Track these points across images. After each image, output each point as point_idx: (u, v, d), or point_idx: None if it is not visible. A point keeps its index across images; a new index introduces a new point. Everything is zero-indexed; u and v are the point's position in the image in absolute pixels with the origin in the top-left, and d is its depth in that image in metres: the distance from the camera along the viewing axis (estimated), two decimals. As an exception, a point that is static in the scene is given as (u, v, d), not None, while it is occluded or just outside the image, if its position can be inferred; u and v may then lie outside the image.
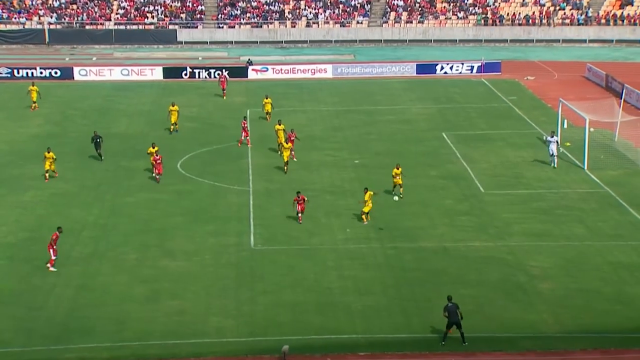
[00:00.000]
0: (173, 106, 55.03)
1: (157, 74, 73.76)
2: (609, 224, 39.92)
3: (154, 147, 46.28)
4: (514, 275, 34.39)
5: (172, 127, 54.81)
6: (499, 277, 34.22)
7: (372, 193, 39.66)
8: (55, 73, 73.26)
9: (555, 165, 47.67)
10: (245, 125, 53.06)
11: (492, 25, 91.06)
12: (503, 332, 29.97)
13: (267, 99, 58.83)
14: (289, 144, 47.88)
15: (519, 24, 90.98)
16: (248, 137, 52.68)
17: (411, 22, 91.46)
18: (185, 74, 73.67)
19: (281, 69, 74.76)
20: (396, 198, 40.83)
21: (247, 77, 73.77)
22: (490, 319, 30.81)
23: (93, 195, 44.08)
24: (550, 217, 40.79)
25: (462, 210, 41.74)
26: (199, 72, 73.61)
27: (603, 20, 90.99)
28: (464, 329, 28.88)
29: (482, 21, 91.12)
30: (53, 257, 34.64)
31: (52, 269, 34.50)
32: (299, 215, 39.58)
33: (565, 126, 54.40)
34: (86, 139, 54.87)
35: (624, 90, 61.94)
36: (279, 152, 48.91)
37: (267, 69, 74.57)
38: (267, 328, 30.42)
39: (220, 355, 28.72)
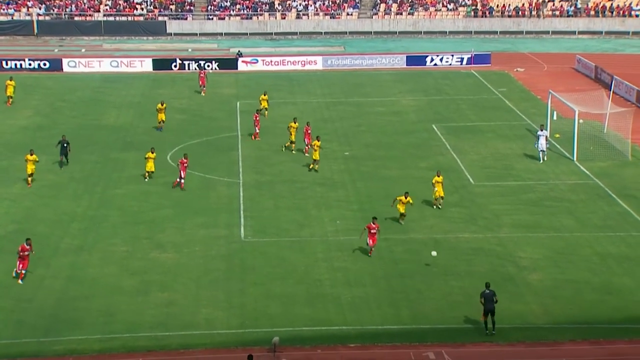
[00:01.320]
0: (162, 105, 54.14)
1: (146, 65, 73.52)
2: (598, 215, 40.05)
3: (153, 152, 44.42)
4: (503, 267, 34.48)
5: (158, 124, 53.81)
6: (488, 268, 34.31)
7: (410, 200, 38.04)
8: (44, 65, 72.93)
9: (545, 159, 47.68)
10: (257, 118, 52.36)
11: (482, 16, 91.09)
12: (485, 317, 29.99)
13: (264, 95, 57.85)
14: (317, 142, 45.84)
15: (509, 16, 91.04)
16: (258, 131, 51.99)
17: (401, 14, 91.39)
18: (175, 66, 73.45)
19: (271, 61, 74.62)
20: (434, 253, 34.16)
21: (237, 69, 73.61)
22: (480, 310, 30.82)
23: (82, 187, 43.93)
24: (539, 208, 40.90)
25: (452, 201, 41.79)
26: (188, 64, 73.40)
27: (592, 12, 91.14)
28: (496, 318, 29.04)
29: (472, 13, 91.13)
30: (22, 271, 32.50)
31: (20, 281, 32.59)
32: (371, 249, 34.92)
33: (555, 118, 54.50)
34: (75, 130, 54.76)
35: (613, 82, 62.09)
36: (289, 149, 48.85)
37: (257, 61, 74.41)
38: (257, 320, 30.41)
39: (210, 347, 28.71)
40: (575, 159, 47.75)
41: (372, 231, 34.71)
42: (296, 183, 44.60)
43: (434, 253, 33.97)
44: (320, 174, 45.90)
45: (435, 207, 40.03)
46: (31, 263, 34.53)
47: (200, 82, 64.09)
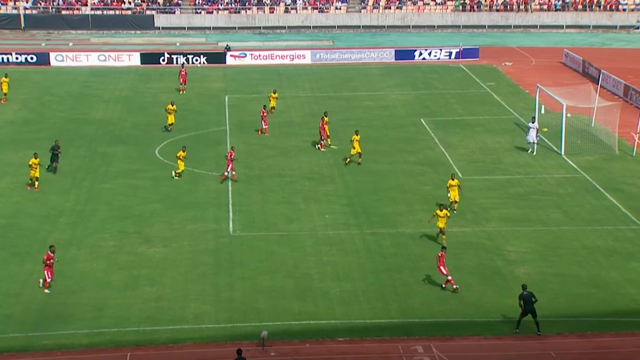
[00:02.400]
0: (172, 105, 52.03)
1: (134, 59, 73.27)
2: (586, 208, 40.23)
3: (184, 151, 43.82)
4: (491, 260, 34.60)
5: (168, 126, 51.72)
6: (476, 262, 34.42)
7: (447, 212, 35.93)
8: (31, 59, 72.55)
9: (535, 152, 47.84)
10: (264, 114, 51.72)
11: (470, 11, 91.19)
12: (480, 317, 30.17)
13: (274, 93, 56.47)
14: (356, 136, 45.20)
15: (497, 10, 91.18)
16: (266, 127, 51.44)
17: (389, 8, 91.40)
18: (163, 60, 73.23)
19: (259, 55, 74.51)
20: (456, 287, 31.64)
21: (225, 63, 73.45)
22: (468, 304, 30.99)
23: (70, 182, 43.79)
24: (527, 202, 41.04)
25: (441, 195, 41.84)
26: (176, 58, 73.18)
27: (580, 6, 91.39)
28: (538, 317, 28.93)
29: (460, 7, 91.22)
30: (48, 279, 31.82)
31: (46, 290, 31.76)
32: (449, 279, 31.64)
33: (543, 112, 54.66)
34: (63, 125, 54.60)
35: (601, 76, 62.30)
36: (323, 146, 48.40)
37: (246, 55, 74.28)
38: (246, 314, 30.43)
39: (199, 341, 28.71)
40: (563, 152, 47.92)
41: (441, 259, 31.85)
42: (285, 177, 44.60)
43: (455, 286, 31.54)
44: (308, 168, 45.91)
45: (451, 210, 38.28)
46: (19, 258, 34.48)
47: (181, 80, 62.07)
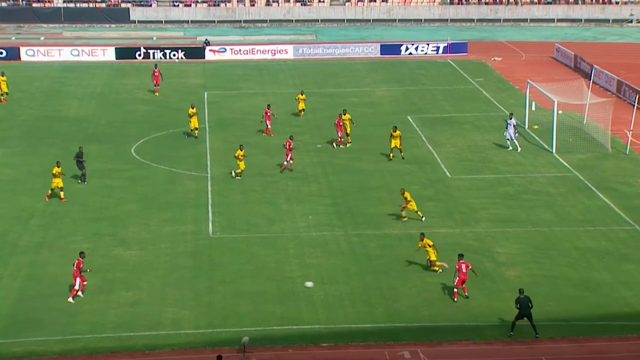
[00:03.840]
0: (192, 108, 50.26)
1: (109, 54, 73.04)
2: (578, 208, 40.43)
3: (242, 149, 43.53)
4: (480, 262, 34.69)
5: (195, 131, 49.82)
6: (465, 264, 34.45)
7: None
8: (1, 53, 72.22)
9: (519, 149, 48.06)
10: (269, 113, 51.05)
11: (458, 4, 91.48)
12: (469, 321, 30.25)
13: (301, 95, 54.91)
14: (398, 132, 45.94)
15: (486, 3, 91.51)
16: (269, 127, 50.97)
17: (375, 1, 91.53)
18: (139, 55, 73.05)
19: (240, 50, 74.44)
20: (309, 284, 32.40)
21: (204, 58, 73.37)
22: (456, 307, 31.07)
23: (41, 182, 43.52)
24: (517, 202, 41.20)
25: (428, 195, 41.98)
26: (153, 53, 73.02)
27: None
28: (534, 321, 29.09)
29: (448, 0, 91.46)
30: (76, 287, 31.40)
31: (70, 299, 31.30)
32: (463, 287, 31.66)
33: (534, 108, 54.90)
34: (34, 122, 54.30)
35: (593, 71, 62.64)
36: (345, 144, 48.48)
37: (225, 50, 74.18)
38: (226, 319, 30.38)
39: (177, 347, 28.63)
40: (554, 150, 48.15)
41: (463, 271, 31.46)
42: (267, 177, 44.57)
43: (308, 284, 32.35)
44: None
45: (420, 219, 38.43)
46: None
47: (155, 81, 60.38)
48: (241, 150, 43.66)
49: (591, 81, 57.81)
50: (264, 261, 34.73)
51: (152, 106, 58.45)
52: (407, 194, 38.07)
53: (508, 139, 48.45)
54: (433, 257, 33.53)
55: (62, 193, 40.55)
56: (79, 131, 52.39)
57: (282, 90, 62.98)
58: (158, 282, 32.93)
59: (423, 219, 38.27)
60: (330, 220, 38.83)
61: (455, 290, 31.52)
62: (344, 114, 49.06)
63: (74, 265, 31.63)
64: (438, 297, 31.87)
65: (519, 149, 48.17)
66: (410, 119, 55.05)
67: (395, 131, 46.61)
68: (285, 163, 44.37)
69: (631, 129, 48.83)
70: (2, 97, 57.86)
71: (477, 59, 72.87)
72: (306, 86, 63.99)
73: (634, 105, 52.67)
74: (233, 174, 43.82)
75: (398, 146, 46.51)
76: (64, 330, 29.43)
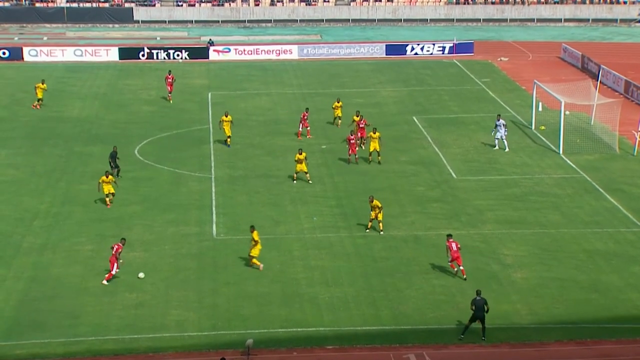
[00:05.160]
0: (226, 116, 49.07)
1: (112, 54, 73.14)
2: (585, 210, 40.39)
3: (301, 153, 42.73)
4: (487, 264, 34.68)
5: (228, 139, 48.90)
6: (471, 266, 34.47)
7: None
8: (4, 54, 72.35)
9: (507, 149, 48.12)
10: (306, 116, 50.56)
11: (465, 4, 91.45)
12: (476, 324, 30.15)
13: (338, 102, 53.17)
14: (377, 134, 45.29)
15: (492, 3, 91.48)
16: (309, 128, 50.62)
17: (380, 1, 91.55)
18: (143, 55, 73.15)
19: (244, 50, 74.50)
20: (141, 275, 33.17)
21: (208, 58, 73.45)
22: (463, 310, 31.02)
23: (45, 183, 43.65)
24: (524, 203, 41.17)
25: (434, 197, 41.98)
26: (157, 53, 73.13)
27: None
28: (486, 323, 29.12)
29: (454, 0, 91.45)
30: (113, 272, 32.50)
31: (105, 282, 32.54)
32: (462, 269, 33.32)
33: (540, 109, 54.87)
34: (37, 123, 54.41)
35: (601, 72, 62.58)
36: (362, 146, 47.63)
37: (230, 50, 74.26)
38: (230, 321, 30.40)
39: (181, 350, 28.66)
40: (561, 152, 48.11)
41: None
42: (271, 178, 44.60)
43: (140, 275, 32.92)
44: (295, 168, 45.83)
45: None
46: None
47: (168, 88, 58.92)
48: (301, 154, 42.84)
49: (598, 81, 57.76)
50: (269, 263, 34.73)
51: (155, 107, 58.52)
52: (376, 202, 37.20)
53: (497, 139, 48.59)
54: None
55: (110, 198, 40.14)
56: (82, 132, 52.49)
57: (286, 91, 63.02)
58: (162, 284, 32.96)
59: (382, 232, 37.23)
60: (335, 221, 38.84)
61: (451, 263, 33.30)
62: (374, 132, 46.05)
63: (112, 249, 32.63)
64: (444, 299, 31.87)
65: (507, 149, 48.23)
66: (416, 120, 55.04)
67: (375, 132, 45.69)
68: (349, 155, 45.37)
69: (639, 129, 48.75)
70: (37, 103, 57.07)
71: (484, 59, 72.84)
72: (310, 86, 64.07)
73: (642, 106, 52.63)
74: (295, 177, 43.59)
75: (377, 149, 45.61)
76: (67, 332, 29.47)
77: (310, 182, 42.99)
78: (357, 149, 46.33)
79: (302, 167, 42.89)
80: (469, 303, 29.71)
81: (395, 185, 43.56)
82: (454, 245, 33.22)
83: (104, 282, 32.59)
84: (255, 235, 34.01)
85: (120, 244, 32.95)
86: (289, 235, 37.45)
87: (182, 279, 33.46)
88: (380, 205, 37.07)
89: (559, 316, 30.83)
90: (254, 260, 34.15)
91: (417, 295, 32.21)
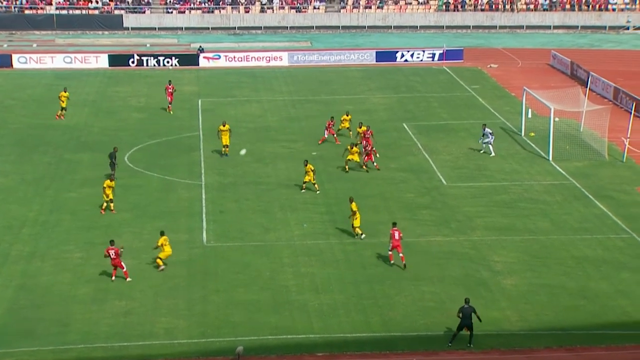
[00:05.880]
0: (224, 126, 48.55)
1: (102, 61, 73.05)
2: (574, 216, 40.51)
3: (307, 165, 42.77)
4: (476, 271, 34.76)
5: (223, 149, 48.47)
6: (461, 273, 34.56)
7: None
8: (-7, 60, 72.17)
9: (492, 154, 48.67)
10: (331, 124, 50.53)
11: (454, 10, 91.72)
12: (466, 330, 30.21)
13: (347, 115, 52.37)
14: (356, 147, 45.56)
15: (482, 10, 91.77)
16: (335, 135, 50.66)
17: (370, 8, 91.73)
18: (133, 62, 73.08)
19: (234, 57, 74.52)
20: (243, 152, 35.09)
21: (198, 65, 73.43)
22: (452, 317, 31.04)
23: (33, 190, 43.55)
24: (513, 210, 41.28)
25: (423, 203, 42.06)
26: (147, 60, 73.06)
27: (568, 6, 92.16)
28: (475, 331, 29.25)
29: (444, 6, 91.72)
30: (125, 269, 33.59)
31: (129, 279, 33.65)
32: (401, 255, 34.75)
33: (530, 116, 55.04)
34: (26, 130, 54.27)
35: (590, 79, 62.82)
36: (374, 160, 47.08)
37: (220, 57, 74.26)
38: (220, 328, 30.37)
39: (170, 357, 28.61)
40: (550, 158, 48.27)
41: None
42: (261, 185, 44.60)
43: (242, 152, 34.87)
44: (285, 175, 45.90)
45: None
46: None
47: (168, 98, 57.86)
48: (307, 166, 42.84)
49: (588, 88, 57.95)
50: (259, 270, 34.73)
51: (145, 114, 58.45)
52: (353, 205, 37.30)
53: (484, 144, 49.11)
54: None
55: (112, 205, 40.36)
56: (72, 139, 52.39)
57: (276, 98, 63.06)
58: (151, 292, 32.91)
59: (363, 236, 37.29)
60: (325, 228, 38.86)
61: (390, 253, 34.79)
62: (360, 127, 47.13)
63: (110, 256, 33.16)
64: (434, 306, 31.91)
65: (492, 154, 48.74)
66: (406, 127, 55.14)
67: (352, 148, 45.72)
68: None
69: (628, 136, 48.96)
70: (61, 113, 56.33)
71: (473, 66, 73.04)
72: (301, 93, 64.12)
73: (630, 113, 52.81)
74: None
75: (356, 159, 45.70)
76: (56, 340, 29.39)
77: (318, 192, 42.82)
78: (363, 157, 46.17)
79: (310, 177, 42.77)
80: (447, 307, 29.81)
81: (385, 192, 43.62)
82: (396, 234, 34.61)
83: (128, 279, 33.46)
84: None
85: (115, 247, 33.33)
86: (278, 242, 37.45)
87: (171, 286, 33.41)
88: (354, 210, 37.12)
89: (549, 323, 30.90)
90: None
91: (406, 302, 32.24)
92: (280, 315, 31.14)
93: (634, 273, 34.73)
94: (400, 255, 34.68)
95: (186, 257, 36.01)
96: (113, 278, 33.68)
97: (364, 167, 46.09)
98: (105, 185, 40.33)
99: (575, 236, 38.26)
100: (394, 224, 35.34)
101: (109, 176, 41.54)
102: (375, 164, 46.69)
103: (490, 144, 49.08)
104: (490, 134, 49.16)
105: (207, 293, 32.82)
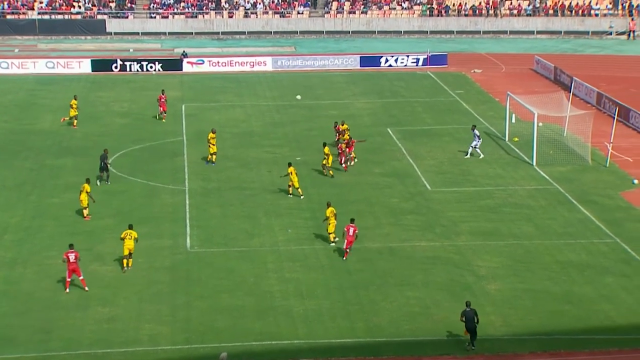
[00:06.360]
0: (214, 133, 48.30)
1: (84, 66, 72.81)
2: (558, 221, 40.67)
3: (289, 165, 42.91)
4: (461, 276, 34.82)
5: (210, 156, 48.01)
6: (445, 278, 34.62)
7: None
8: (-26, 66, 71.81)
9: (481, 155, 49.22)
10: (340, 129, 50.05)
11: (438, 16, 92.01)
12: (451, 336, 30.32)
13: (342, 125, 50.49)
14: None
15: (466, 15, 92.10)
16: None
17: (354, 13, 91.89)
18: (116, 67, 72.87)
19: (218, 62, 74.44)
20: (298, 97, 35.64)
21: (181, 70, 73.28)
22: (437, 322, 31.15)
23: (15, 196, 43.31)
24: (498, 215, 41.40)
25: (408, 208, 42.12)
26: (130, 65, 72.87)
27: (551, 11, 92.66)
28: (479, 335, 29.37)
29: (428, 12, 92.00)
30: (82, 277, 33.11)
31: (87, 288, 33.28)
32: (347, 251, 35.97)
33: (514, 121, 55.24)
34: (8, 136, 53.98)
35: (573, 84, 63.14)
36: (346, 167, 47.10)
37: (203, 62, 74.16)
38: (204, 334, 30.29)
39: (154, 364, 28.50)
40: (534, 163, 48.46)
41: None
42: (245, 190, 44.55)
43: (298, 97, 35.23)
44: (269, 180, 45.87)
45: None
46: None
47: (161, 108, 57.26)
48: (290, 166, 43.01)
49: (571, 93, 58.25)
50: (243, 276, 34.67)
51: (128, 119, 58.30)
52: (328, 210, 37.33)
53: (471, 147, 49.47)
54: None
55: (85, 212, 40.25)
56: (54, 145, 52.16)
57: (260, 103, 63.02)
58: (135, 298, 32.79)
59: (334, 241, 37.33)
60: (310, 234, 38.86)
61: (347, 251, 35.76)
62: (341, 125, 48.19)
63: (68, 260, 32.63)
64: (419, 311, 31.94)
65: (481, 156, 49.29)
66: (390, 132, 55.23)
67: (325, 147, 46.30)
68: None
69: (611, 141, 49.22)
70: (74, 121, 55.52)
71: (457, 71, 73.27)
72: (285, 98, 64.10)
73: (614, 118, 53.11)
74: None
75: (328, 165, 46.04)
76: (39, 347, 29.22)
77: (302, 197, 42.83)
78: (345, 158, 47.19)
79: (294, 180, 42.79)
80: (446, 314, 29.82)
81: (369, 197, 43.65)
82: (351, 229, 35.48)
83: (86, 288, 32.85)
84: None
85: (73, 250, 32.98)
86: (263, 248, 37.41)
87: (155, 292, 33.30)
88: (327, 215, 37.23)
89: (533, 327, 30.99)
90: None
91: (391, 307, 32.26)
92: (265, 321, 31.09)
93: (618, 278, 34.90)
94: (346, 250, 35.74)
95: (170, 262, 35.90)
96: (67, 290, 32.82)
97: (331, 173, 46.01)
98: (82, 190, 39.98)
99: (559, 241, 38.41)
100: (352, 220, 35.93)
101: (87, 180, 41.01)
102: (344, 164, 46.85)
103: (477, 147, 49.36)
104: (477, 136, 49.39)
105: (190, 299, 32.73)
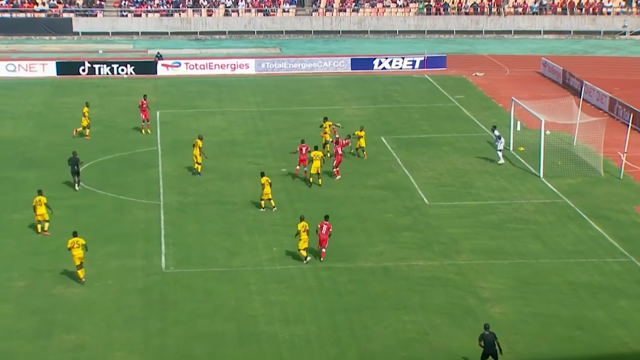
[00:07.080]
0: (200, 139, 48.47)
1: (49, 69, 72.86)
2: (568, 238, 40.82)
3: (263, 176, 43.16)
4: (462, 298, 34.88)
5: (196, 165, 48.26)
6: (445, 301, 34.67)
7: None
8: None
9: (501, 160, 50.00)
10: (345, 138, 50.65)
11: (436, 14, 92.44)
12: (473, 361, 30.38)
13: (360, 131, 51.34)
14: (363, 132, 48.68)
15: (466, 13, 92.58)
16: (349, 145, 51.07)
17: (345, 11, 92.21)
18: (83, 70, 72.95)
19: (196, 64, 74.63)
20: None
21: (156, 73, 73.44)
22: (436, 349, 31.17)
23: (-27, 212, 43.21)
24: (502, 231, 41.52)
25: (404, 224, 42.19)
26: (99, 68, 72.96)
27: (559, 9, 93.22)
28: None
29: (425, 10, 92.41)
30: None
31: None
32: (322, 251, 37.53)
33: (519, 129, 55.48)
34: (-35, 145, 53.84)
35: (583, 88, 63.48)
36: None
37: (180, 64, 74.33)
38: (180, 364, 30.26)
39: (125, 396, 28.42)
40: (541, 175, 48.65)
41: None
42: (225, 204, 44.56)
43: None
44: (252, 193, 45.89)
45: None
46: None
47: (143, 115, 56.10)
48: (264, 177, 43.24)
49: (581, 99, 58.60)
50: (223, 299, 34.65)
51: (97, 127, 58.21)
52: (300, 225, 37.27)
53: (499, 150, 50.05)
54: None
55: (44, 225, 40.33)
56: (15, 155, 52.09)
57: (243, 109, 63.13)
58: (103, 324, 32.71)
59: (307, 260, 37.51)
60: (296, 252, 38.85)
61: (322, 251, 37.18)
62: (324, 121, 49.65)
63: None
64: (416, 337, 31.97)
65: (502, 161, 50.03)
66: (384, 140, 55.38)
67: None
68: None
69: (625, 151, 49.46)
70: (85, 132, 55.03)
71: (457, 74, 73.59)
72: (269, 104, 64.27)
73: (628, 125, 53.39)
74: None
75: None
76: (-2, 378, 29.11)
77: (274, 209, 43.07)
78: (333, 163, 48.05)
79: (267, 191, 43.08)
80: (446, 340, 29.77)
81: (362, 211, 43.72)
82: (324, 227, 37.00)
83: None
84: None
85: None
86: (245, 268, 37.41)
87: (126, 317, 33.23)
88: (298, 229, 37.24)
89: (541, 355, 31.06)
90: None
91: (386, 333, 32.29)
92: (247, 349, 31.08)
93: (633, 300, 35.01)
94: (322, 250, 37.14)
95: (142, 284, 35.84)
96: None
97: (319, 180, 46.59)
98: (33, 204, 39.93)
99: (569, 260, 38.54)
100: (326, 217, 37.54)
101: (39, 192, 40.76)
102: (336, 169, 47.98)
103: (499, 149, 49.86)
104: (499, 137, 49.79)
105: (166, 325, 32.68)
